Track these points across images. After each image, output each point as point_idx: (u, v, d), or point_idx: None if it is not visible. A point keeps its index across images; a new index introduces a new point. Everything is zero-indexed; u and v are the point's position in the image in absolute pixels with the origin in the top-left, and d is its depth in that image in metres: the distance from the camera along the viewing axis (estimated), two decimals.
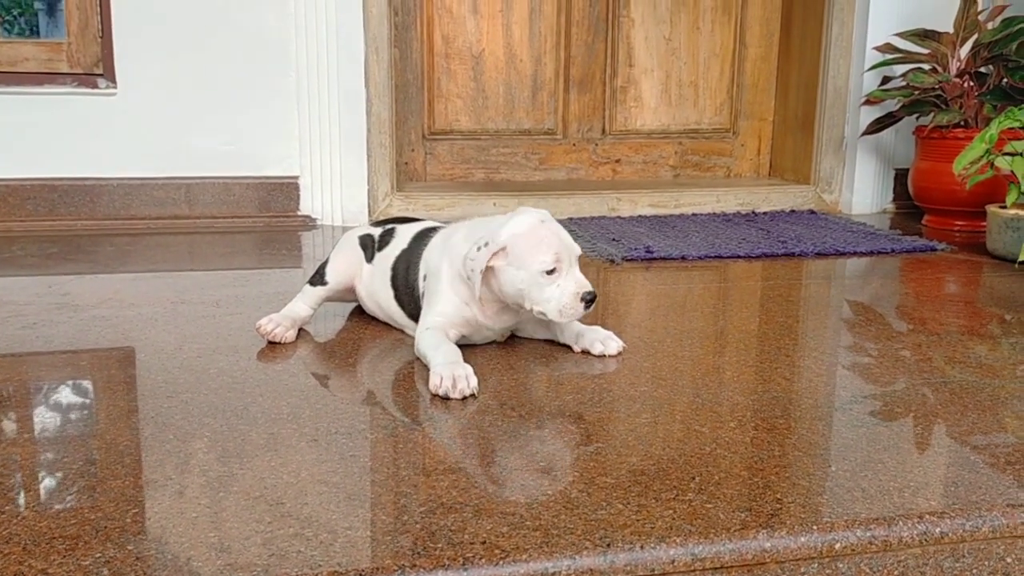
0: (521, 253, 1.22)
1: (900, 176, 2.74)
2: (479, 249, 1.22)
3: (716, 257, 2.05)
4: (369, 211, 2.47)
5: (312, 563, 0.74)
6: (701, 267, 1.97)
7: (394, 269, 1.39)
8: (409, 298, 1.37)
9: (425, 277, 1.33)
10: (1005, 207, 2.05)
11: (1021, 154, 1.99)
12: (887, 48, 2.54)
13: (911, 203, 2.65)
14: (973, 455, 0.97)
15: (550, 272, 1.22)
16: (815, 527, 0.81)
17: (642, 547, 0.77)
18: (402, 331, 1.41)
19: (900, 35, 2.51)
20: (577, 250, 1.26)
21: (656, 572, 0.77)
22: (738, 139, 3.02)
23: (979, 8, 2.46)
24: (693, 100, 2.96)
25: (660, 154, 2.98)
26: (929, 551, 0.83)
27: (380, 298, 1.43)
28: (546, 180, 2.90)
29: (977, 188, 2.19)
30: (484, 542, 0.77)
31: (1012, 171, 1.99)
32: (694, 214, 2.62)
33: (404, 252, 1.39)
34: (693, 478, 0.90)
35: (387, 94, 2.45)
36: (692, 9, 2.89)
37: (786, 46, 2.94)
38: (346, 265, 1.46)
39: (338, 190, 2.44)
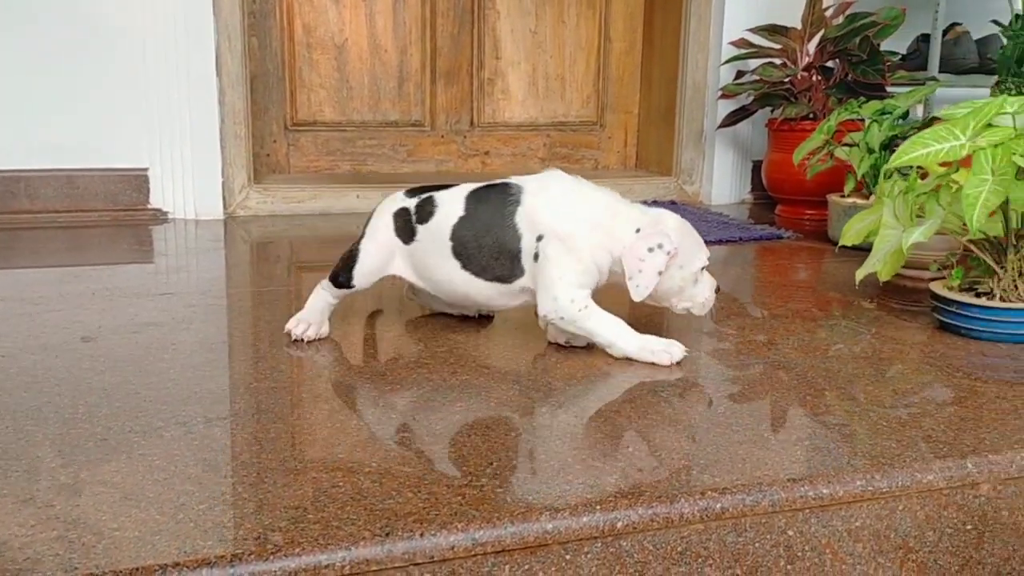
0: (687, 252, 1.21)
1: (757, 167, 2.83)
2: (651, 251, 1.17)
3: None
4: (224, 204, 2.39)
5: (68, 565, 0.70)
6: None
7: (458, 238, 1.25)
8: (498, 261, 1.24)
9: (540, 237, 1.21)
10: (844, 196, 2.14)
11: (858, 145, 2.08)
12: (742, 43, 2.61)
13: (767, 194, 2.73)
14: (767, 433, 1.00)
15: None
16: (598, 507, 0.81)
17: (422, 535, 0.77)
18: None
19: (753, 30, 2.59)
20: None
21: (436, 559, 0.76)
22: (605, 132, 3.06)
23: (825, 4, 2.55)
24: (560, 93, 2.98)
25: (529, 146, 2.99)
26: (711, 527, 0.84)
27: (437, 274, 1.28)
28: (415, 172, 2.87)
29: (821, 178, 2.28)
30: (258, 538, 0.75)
31: (850, 161, 2.07)
32: None
33: (464, 218, 1.26)
34: (491, 463, 0.90)
35: (241, 84, 2.38)
36: (557, 2, 2.91)
37: (649, 40, 2.99)
38: (376, 264, 1.31)
39: (190, 183, 2.36)
